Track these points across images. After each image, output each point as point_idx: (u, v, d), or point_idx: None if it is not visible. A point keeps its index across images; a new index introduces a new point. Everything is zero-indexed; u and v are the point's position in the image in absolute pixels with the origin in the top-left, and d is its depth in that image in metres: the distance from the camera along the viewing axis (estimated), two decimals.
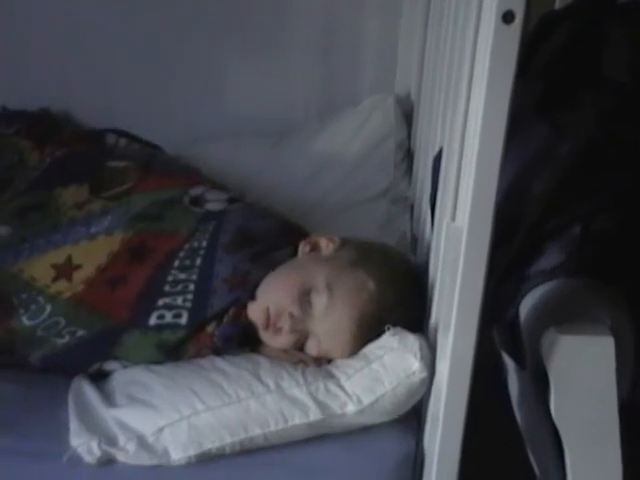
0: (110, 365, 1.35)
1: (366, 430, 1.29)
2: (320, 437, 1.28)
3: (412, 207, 1.75)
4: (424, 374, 1.24)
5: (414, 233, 1.66)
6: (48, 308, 1.38)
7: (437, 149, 1.39)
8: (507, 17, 0.94)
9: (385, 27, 1.95)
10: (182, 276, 1.39)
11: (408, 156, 1.88)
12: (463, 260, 1.06)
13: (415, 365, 1.24)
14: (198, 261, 1.41)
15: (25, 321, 1.37)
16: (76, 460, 1.23)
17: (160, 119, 1.98)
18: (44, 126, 1.83)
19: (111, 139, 1.78)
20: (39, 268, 1.42)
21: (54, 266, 1.41)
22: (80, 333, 1.36)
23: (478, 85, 1.00)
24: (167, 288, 1.38)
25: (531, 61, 1.46)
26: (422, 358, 1.24)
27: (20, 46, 1.97)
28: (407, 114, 1.93)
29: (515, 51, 0.96)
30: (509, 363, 1.32)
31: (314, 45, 1.98)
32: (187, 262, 1.41)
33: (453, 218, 1.13)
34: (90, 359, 1.36)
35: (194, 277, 1.39)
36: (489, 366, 1.35)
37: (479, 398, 1.17)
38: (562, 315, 1.20)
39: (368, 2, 1.94)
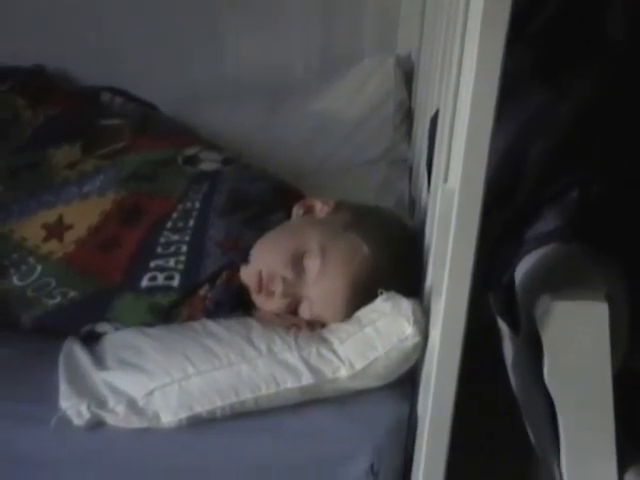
0: (102, 327, 1.34)
1: (359, 395, 1.27)
2: (312, 402, 1.27)
3: (411, 169, 1.73)
4: (417, 339, 1.23)
5: (412, 196, 1.65)
6: (39, 268, 1.37)
7: (434, 110, 1.37)
8: None
9: None
10: (175, 237, 1.38)
11: (408, 117, 1.86)
12: (455, 222, 1.04)
13: (408, 330, 1.23)
14: (191, 222, 1.40)
15: (16, 281, 1.36)
16: (65, 422, 1.23)
17: (159, 78, 1.95)
18: (38, 83, 1.80)
19: (106, 97, 1.76)
20: (30, 228, 1.41)
21: (45, 226, 1.40)
22: (71, 294, 1.35)
23: (470, 45, 0.98)
24: (159, 250, 1.37)
25: (529, 22, 1.43)
26: (415, 323, 1.23)
27: (18, 3, 1.94)
28: (408, 74, 1.91)
29: (507, 11, 0.93)
30: (504, 328, 1.31)
31: (314, 3, 1.95)
32: (180, 224, 1.39)
33: (445, 179, 1.11)
34: (81, 321, 1.35)
35: (187, 239, 1.38)
36: (484, 331, 1.34)
37: (473, 363, 1.16)
38: (557, 281, 1.18)
39: None
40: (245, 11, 1.95)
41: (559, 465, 1.23)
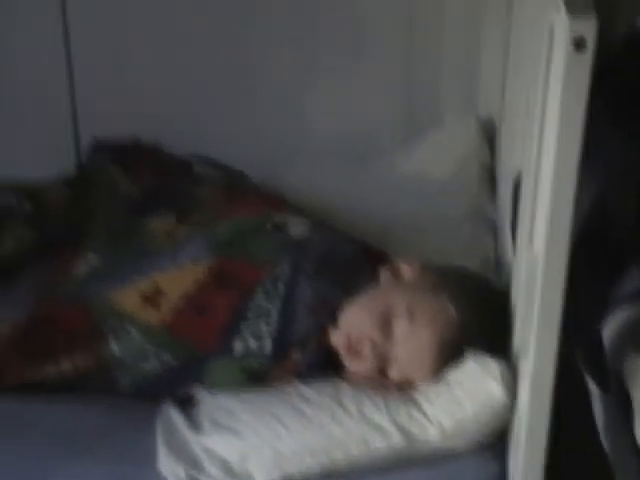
0: (197, 391, 1.38)
1: (450, 457, 1.28)
2: (404, 464, 1.28)
3: (496, 229, 1.75)
4: (505, 399, 1.24)
5: (498, 256, 1.66)
6: (136, 335, 1.41)
7: (516, 173, 1.39)
8: (579, 44, 0.94)
9: (466, 48, 1.95)
10: (265, 302, 1.42)
11: (492, 178, 1.88)
12: (541, 285, 1.06)
13: (496, 390, 1.24)
14: (280, 287, 1.43)
15: (114, 348, 1.40)
16: None
17: (244, 143, 2.00)
18: (136, 156, 1.87)
19: (198, 167, 1.82)
20: (127, 296, 1.45)
21: (142, 294, 1.45)
22: (168, 360, 1.39)
23: (551, 112, 1.00)
24: (250, 315, 1.40)
25: (612, 81, 1.44)
26: (503, 382, 1.24)
27: (111, 79, 2.03)
28: (489, 135, 1.93)
29: (587, 78, 0.95)
30: (593, 388, 1.31)
31: (396, 65, 1.99)
32: (270, 289, 1.43)
33: (530, 243, 1.13)
34: (177, 385, 1.39)
35: (277, 303, 1.41)
36: (574, 386, 1.34)
37: (565, 421, 1.17)
38: None
39: (449, 22, 1.95)
40: (327, 78, 2.01)
41: None
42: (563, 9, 0.95)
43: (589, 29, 0.93)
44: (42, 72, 2.01)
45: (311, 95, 2.03)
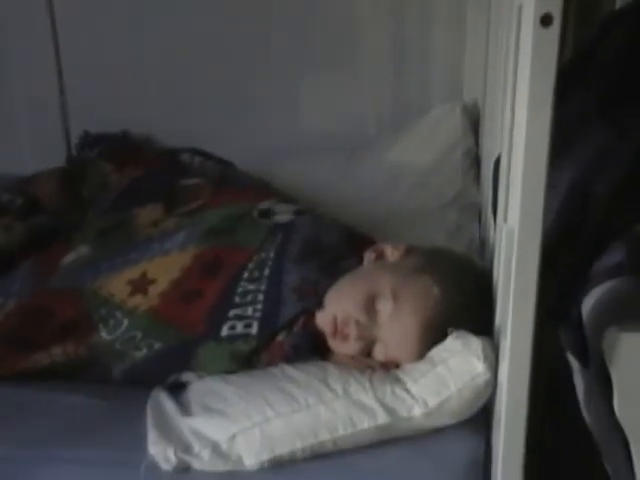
0: (186, 376, 1.40)
1: (434, 433, 1.30)
2: (389, 441, 1.30)
3: (480, 213, 1.77)
4: (488, 376, 1.25)
5: (482, 238, 1.68)
6: (125, 322, 1.43)
7: (497, 154, 1.41)
8: (545, 20, 0.96)
9: (451, 38, 1.98)
10: (251, 287, 1.44)
11: (476, 163, 1.90)
12: (515, 260, 1.08)
13: (479, 367, 1.26)
14: (266, 272, 1.45)
15: (104, 336, 1.43)
16: (154, 468, 1.27)
17: (237, 137, 2.04)
18: (124, 149, 1.90)
19: (186, 158, 1.85)
20: (116, 284, 1.48)
21: (130, 282, 1.47)
22: (157, 346, 1.41)
23: (521, 89, 1.02)
24: (237, 299, 1.43)
25: (591, 65, 1.46)
26: (486, 360, 1.26)
27: (103, 73, 2.05)
28: (475, 121, 1.95)
29: (555, 54, 0.97)
30: (574, 363, 1.33)
31: (384, 59, 2.02)
32: (256, 273, 1.45)
33: (505, 219, 1.15)
34: (167, 371, 1.40)
35: (263, 287, 1.43)
36: (557, 365, 1.36)
37: (548, 398, 1.19)
38: (623, 313, 1.20)
39: (435, 15, 1.98)
40: (318, 71, 2.04)
41: None
42: None
43: (555, 5, 0.95)
44: (32, 68, 2.04)
45: (300, 88, 2.06)
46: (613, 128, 1.37)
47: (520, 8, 1.03)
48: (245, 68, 2.05)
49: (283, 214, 1.58)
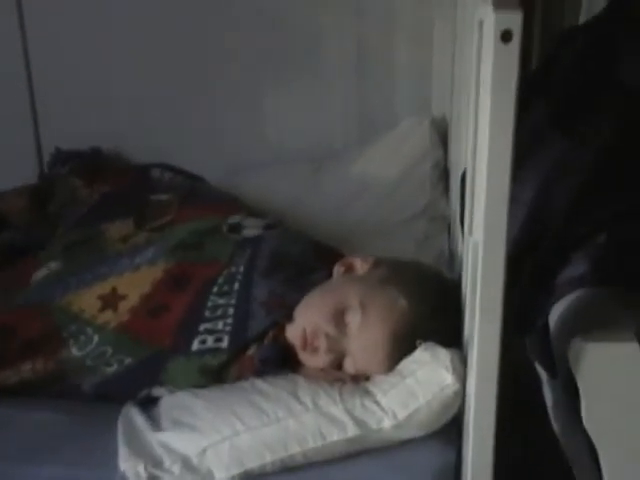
0: (157, 391, 1.40)
1: (405, 445, 1.31)
2: (359, 453, 1.30)
3: (449, 225, 1.78)
4: (457, 386, 1.27)
5: (451, 250, 1.69)
6: (96, 338, 1.44)
7: (463, 168, 1.43)
8: (505, 36, 0.98)
9: (418, 49, 1.99)
10: (221, 301, 1.44)
11: (445, 176, 1.92)
12: (481, 272, 1.09)
13: (448, 378, 1.27)
14: (236, 286, 1.46)
15: (75, 352, 1.43)
16: None
17: (204, 152, 2.04)
18: (95, 165, 1.91)
19: (156, 173, 1.86)
20: (86, 300, 1.48)
21: (100, 297, 1.48)
22: (127, 361, 1.41)
23: (483, 104, 1.03)
24: (207, 313, 1.43)
25: (549, 77, 1.48)
26: (454, 371, 1.27)
27: (71, 91, 2.06)
28: (443, 134, 1.97)
29: (515, 69, 0.98)
30: (542, 373, 1.34)
31: (349, 72, 2.03)
32: (225, 287, 1.46)
33: (470, 232, 1.16)
34: (138, 386, 1.41)
35: (233, 301, 1.44)
36: (526, 376, 1.37)
37: (516, 408, 1.20)
38: (588, 324, 1.21)
39: (399, 27, 1.98)
40: (282, 83, 2.04)
41: None
42: (490, 4, 0.99)
43: (515, 22, 0.97)
44: (2, 84, 2.03)
45: (267, 102, 2.07)
46: (568, 137, 1.39)
47: (481, 24, 1.04)
48: (212, 84, 2.06)
49: (252, 228, 1.58)
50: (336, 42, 2.01)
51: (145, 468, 1.28)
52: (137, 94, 2.05)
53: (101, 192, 1.78)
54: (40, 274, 1.56)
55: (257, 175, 1.96)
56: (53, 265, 1.58)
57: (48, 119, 2.09)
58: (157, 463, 1.29)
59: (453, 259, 1.64)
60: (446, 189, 1.89)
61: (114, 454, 1.31)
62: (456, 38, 1.79)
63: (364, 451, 1.30)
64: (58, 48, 2.03)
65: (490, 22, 0.98)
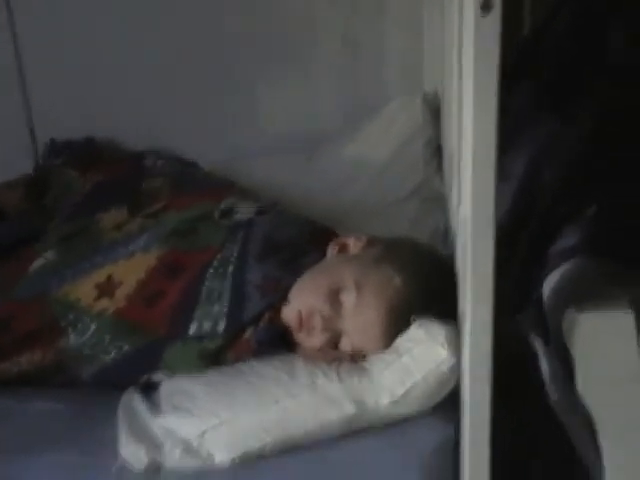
0: (157, 376, 1.42)
1: (403, 422, 1.33)
2: (358, 432, 1.32)
3: (444, 202, 1.79)
4: (452, 362, 1.28)
5: (446, 227, 1.70)
6: (93, 326, 1.45)
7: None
8: (485, 6, 0.98)
9: (408, 28, 1.99)
10: (216, 285, 1.46)
11: (439, 153, 1.92)
12: (471, 247, 1.10)
13: (443, 354, 1.28)
14: (230, 269, 1.47)
15: (73, 340, 1.44)
16: (125, 469, 1.30)
17: (199, 139, 2.04)
18: (89, 155, 1.91)
19: (149, 160, 1.87)
20: (83, 289, 1.49)
21: (97, 286, 1.49)
22: (125, 348, 1.43)
23: (466, 77, 1.03)
24: (202, 298, 1.45)
25: (540, 47, 1.49)
26: (449, 346, 1.28)
27: (65, 81, 2.06)
28: (437, 112, 1.97)
29: (497, 40, 0.99)
30: (537, 344, 1.35)
31: (339, 55, 2.03)
32: (220, 271, 1.47)
33: (458, 206, 1.17)
34: (137, 372, 1.42)
35: (227, 285, 1.45)
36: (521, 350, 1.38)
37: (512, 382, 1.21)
38: (581, 294, 1.22)
39: (389, 7, 1.99)
40: (273, 66, 2.04)
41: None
42: None
43: None
44: None
45: (260, 93, 2.07)
46: (558, 116, 1.40)
47: None
48: (206, 70, 2.06)
49: (244, 213, 1.59)
50: (326, 27, 2.02)
51: (146, 453, 1.30)
52: (132, 82, 2.05)
53: (94, 182, 1.79)
54: (36, 265, 1.57)
55: (251, 160, 1.97)
56: (49, 256, 1.59)
57: (42, 110, 2.09)
58: (158, 447, 1.31)
59: (447, 236, 1.65)
60: (440, 166, 1.89)
61: (113, 440, 1.33)
62: (444, 11, 1.78)
63: (362, 430, 1.32)
64: (50, 35, 2.02)
65: None
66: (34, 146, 2.09)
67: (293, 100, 2.05)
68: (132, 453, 1.30)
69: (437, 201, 1.81)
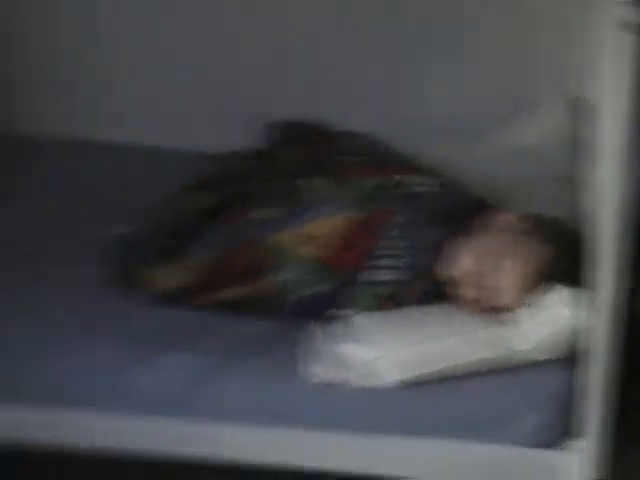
0: (342, 312, 1.68)
1: (531, 367, 1.58)
2: (490, 372, 1.58)
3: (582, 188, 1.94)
4: (575, 321, 1.55)
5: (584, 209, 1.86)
6: (297, 267, 1.72)
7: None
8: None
9: (560, 31, 2.12)
10: (394, 243, 1.73)
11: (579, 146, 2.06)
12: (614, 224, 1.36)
13: (569, 313, 1.56)
14: (406, 232, 1.75)
15: (279, 278, 1.72)
16: (306, 382, 1.56)
17: (387, 123, 2.19)
18: (299, 133, 2.13)
19: (342, 139, 2.10)
20: (287, 239, 1.76)
21: (300, 236, 1.76)
22: (320, 287, 1.71)
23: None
24: (383, 252, 1.73)
25: None
26: (576, 307, 1.55)
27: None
28: (582, 113, 2.08)
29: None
30: None
31: (491, 52, 2.15)
32: (397, 233, 1.75)
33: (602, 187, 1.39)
34: (327, 307, 1.69)
35: (403, 244, 1.73)
36: None
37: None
38: None
39: (542, 8, 2.11)
40: (441, 68, 2.20)
41: None
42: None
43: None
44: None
45: (428, 83, 2.23)
46: None
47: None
48: (395, 61, 2.23)
49: (421, 185, 1.85)
50: (480, 23, 2.14)
51: (324, 370, 1.56)
52: (330, 72, 2.24)
53: (305, 155, 2.02)
54: (254, 216, 1.84)
55: (425, 140, 2.11)
56: (260, 212, 1.85)
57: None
58: (335, 365, 1.56)
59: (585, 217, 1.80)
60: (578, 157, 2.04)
61: (302, 359, 1.58)
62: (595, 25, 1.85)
63: (497, 370, 1.57)
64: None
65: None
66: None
67: (458, 93, 2.20)
68: (310, 370, 1.56)
69: (575, 184, 2.00)
